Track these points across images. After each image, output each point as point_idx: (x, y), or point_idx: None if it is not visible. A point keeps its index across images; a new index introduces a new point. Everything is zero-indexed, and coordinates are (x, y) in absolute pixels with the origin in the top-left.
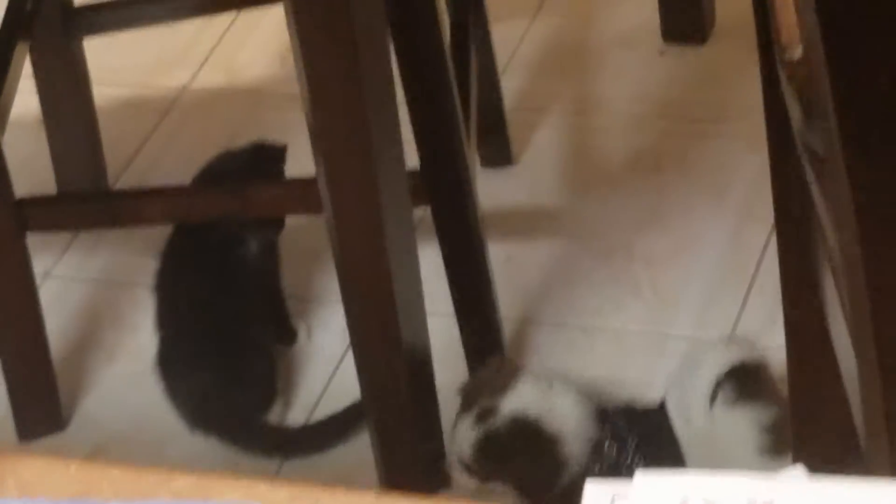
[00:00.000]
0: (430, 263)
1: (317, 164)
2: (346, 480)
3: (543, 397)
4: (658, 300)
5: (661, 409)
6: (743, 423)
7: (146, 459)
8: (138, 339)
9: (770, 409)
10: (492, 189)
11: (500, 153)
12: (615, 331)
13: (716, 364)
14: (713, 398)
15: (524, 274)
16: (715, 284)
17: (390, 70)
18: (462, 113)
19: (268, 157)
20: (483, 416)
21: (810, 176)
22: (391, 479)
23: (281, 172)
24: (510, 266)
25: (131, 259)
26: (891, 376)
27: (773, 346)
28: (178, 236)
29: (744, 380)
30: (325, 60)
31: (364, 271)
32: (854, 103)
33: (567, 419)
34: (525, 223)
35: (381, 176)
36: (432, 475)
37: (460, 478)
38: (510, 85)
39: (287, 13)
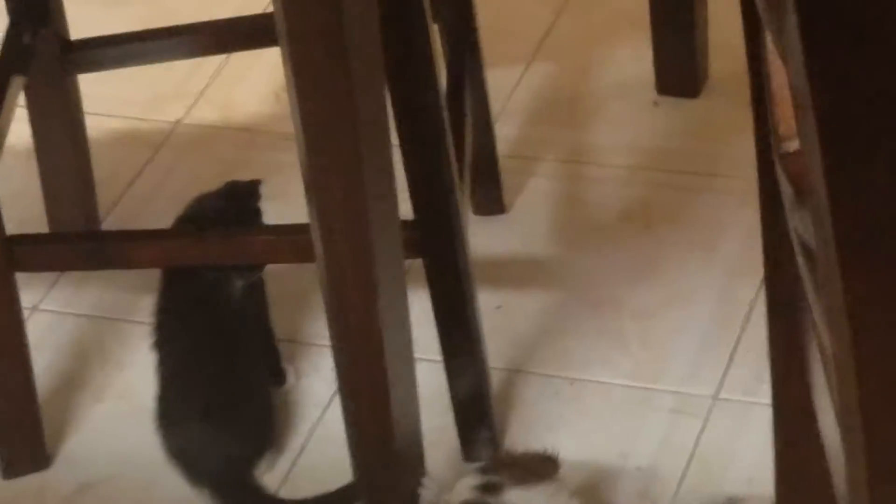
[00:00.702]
0: (419, 308)
1: (310, 213)
2: None
3: None
4: (646, 355)
5: None
6: None
7: (132, 501)
8: (126, 377)
9: None
10: (484, 237)
11: (492, 201)
12: (602, 384)
13: None
14: None
15: (514, 323)
16: (703, 340)
17: (387, 120)
18: (457, 162)
19: (242, 195)
20: (491, 488)
21: (801, 264)
22: None
23: (257, 209)
24: (500, 314)
25: (120, 295)
26: (879, 476)
27: (759, 404)
28: (169, 286)
29: None
30: (322, 112)
31: (354, 321)
32: (854, 217)
33: None
34: (516, 272)
35: (375, 227)
36: None
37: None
38: (503, 132)
39: (284, 61)
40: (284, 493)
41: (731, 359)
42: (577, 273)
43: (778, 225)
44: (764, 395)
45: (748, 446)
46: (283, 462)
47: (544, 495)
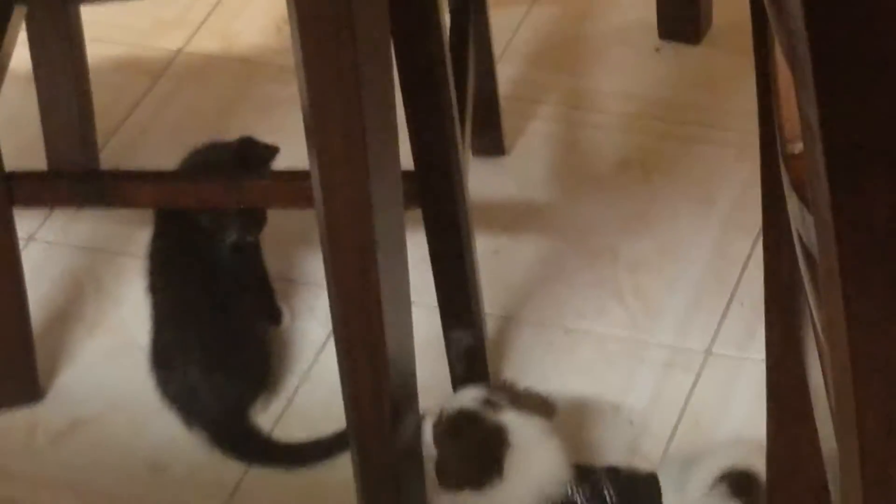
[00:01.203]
0: (414, 251)
1: (310, 158)
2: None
3: (539, 436)
4: (640, 307)
5: (653, 477)
6: None
7: (124, 438)
8: (121, 311)
9: None
10: (482, 179)
11: (492, 144)
12: (596, 335)
13: (726, 459)
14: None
15: (510, 270)
16: (697, 294)
17: (391, 64)
18: (459, 107)
19: (254, 155)
20: (490, 404)
21: (801, 260)
22: (368, 488)
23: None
24: (497, 260)
25: (117, 228)
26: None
27: (750, 359)
28: (162, 227)
29: (743, 484)
30: (324, 55)
31: (352, 270)
32: (856, 232)
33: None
34: (513, 217)
35: (375, 175)
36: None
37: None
38: (504, 73)
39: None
40: (277, 435)
41: (724, 314)
42: (574, 221)
43: (779, 212)
44: (756, 350)
45: (739, 403)
46: (277, 404)
47: (537, 429)
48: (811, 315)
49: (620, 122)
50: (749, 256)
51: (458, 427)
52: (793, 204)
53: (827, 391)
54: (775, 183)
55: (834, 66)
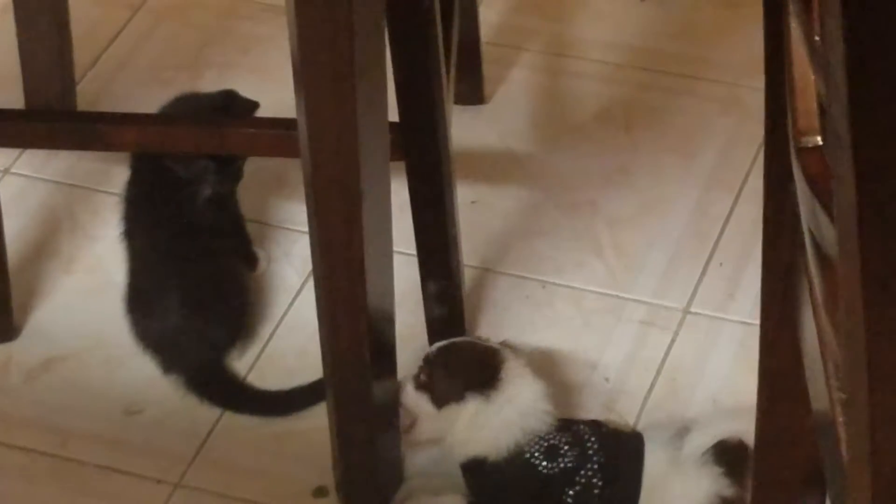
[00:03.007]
0: (394, 199)
1: (298, 106)
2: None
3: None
4: (619, 263)
5: (637, 436)
6: (707, 489)
7: (98, 378)
8: (96, 249)
9: (734, 490)
10: (462, 127)
11: (472, 91)
12: (574, 290)
13: (721, 430)
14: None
15: (488, 220)
16: (676, 252)
17: (382, 15)
18: (444, 55)
19: (237, 109)
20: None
21: (810, 256)
22: (344, 438)
23: None
24: (475, 210)
25: (94, 164)
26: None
27: (729, 320)
28: (138, 172)
29: (732, 455)
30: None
31: (337, 219)
32: (882, 242)
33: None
34: (493, 167)
35: (364, 125)
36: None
37: (412, 394)
38: (485, 18)
39: None
40: (251, 381)
41: (703, 272)
42: (554, 172)
43: (783, 199)
44: (734, 311)
45: (716, 364)
46: (252, 349)
47: (526, 365)
48: (810, 294)
49: (603, 71)
50: (730, 214)
51: (453, 348)
52: (804, 196)
53: (826, 373)
54: (781, 171)
55: (870, 82)
